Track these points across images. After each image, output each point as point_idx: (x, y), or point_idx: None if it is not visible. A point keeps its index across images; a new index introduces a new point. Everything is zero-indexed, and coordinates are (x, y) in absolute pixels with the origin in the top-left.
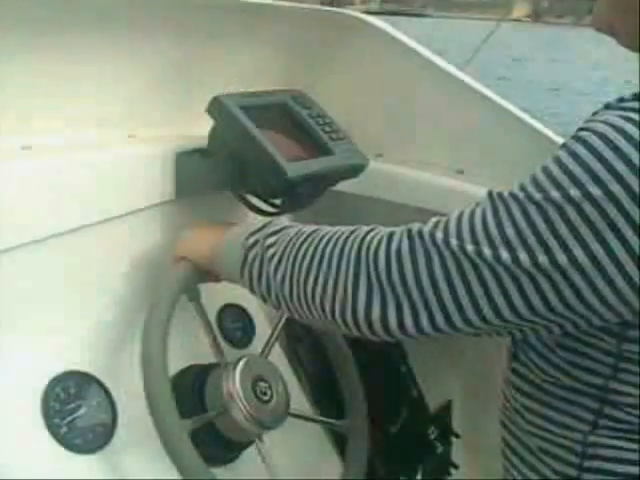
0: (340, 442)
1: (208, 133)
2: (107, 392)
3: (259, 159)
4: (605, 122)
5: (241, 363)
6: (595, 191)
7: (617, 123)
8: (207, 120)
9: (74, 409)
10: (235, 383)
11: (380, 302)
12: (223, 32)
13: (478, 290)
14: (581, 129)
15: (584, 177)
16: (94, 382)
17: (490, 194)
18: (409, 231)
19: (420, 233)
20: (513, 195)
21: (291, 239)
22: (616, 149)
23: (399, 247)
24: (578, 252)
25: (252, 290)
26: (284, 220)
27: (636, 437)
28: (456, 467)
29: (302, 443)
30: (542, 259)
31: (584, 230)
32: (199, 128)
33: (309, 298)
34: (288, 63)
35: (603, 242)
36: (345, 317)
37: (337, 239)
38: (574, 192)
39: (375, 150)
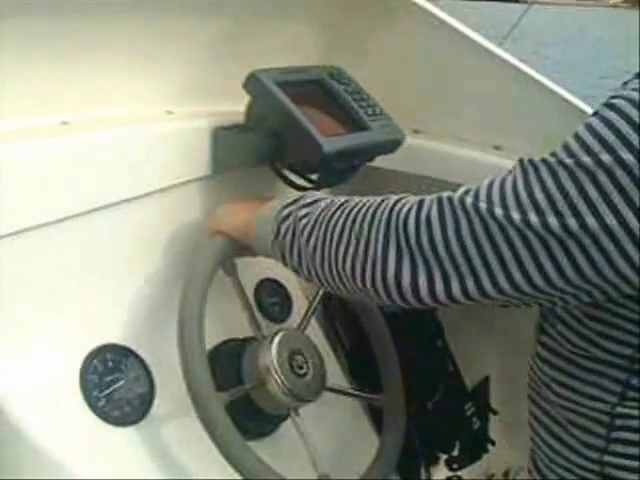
0: (377, 417)
1: (244, 109)
2: (144, 365)
3: (295, 134)
4: (636, 89)
5: (278, 337)
6: (626, 156)
7: None
8: (244, 96)
9: (112, 382)
10: (271, 356)
11: (410, 267)
12: (259, 8)
13: (507, 255)
14: (613, 97)
15: (616, 142)
16: (132, 355)
17: (521, 161)
18: (439, 198)
19: (450, 199)
20: (544, 160)
21: (323, 210)
22: None
23: (429, 213)
24: (608, 217)
25: (284, 262)
26: (318, 193)
27: None
28: (493, 443)
29: (338, 417)
30: (571, 223)
31: (615, 195)
32: (236, 104)
33: (340, 266)
34: (325, 39)
35: (633, 207)
36: (376, 284)
37: (368, 207)
38: (605, 157)
39: (412, 126)
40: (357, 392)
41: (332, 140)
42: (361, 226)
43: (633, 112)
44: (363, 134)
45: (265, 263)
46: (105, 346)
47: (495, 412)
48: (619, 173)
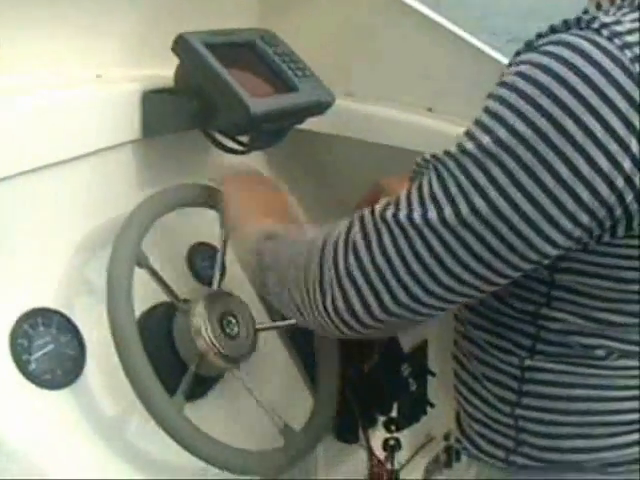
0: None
1: (174, 72)
2: (75, 328)
3: (223, 96)
4: (524, 61)
5: (207, 299)
6: (523, 128)
7: (535, 60)
8: (176, 59)
9: (42, 345)
10: (202, 318)
11: (341, 293)
12: None
13: (429, 259)
14: (505, 74)
15: (510, 116)
16: (62, 318)
17: (434, 156)
18: (361, 216)
19: (372, 214)
20: (447, 153)
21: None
22: (538, 84)
23: (354, 234)
24: (516, 196)
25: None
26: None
27: (572, 360)
28: (432, 405)
29: (273, 380)
30: (483, 209)
31: (518, 171)
32: (167, 68)
33: (299, 302)
34: (257, 3)
35: (539, 181)
36: (319, 314)
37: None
38: (503, 133)
39: (345, 89)
40: (285, 322)
41: (260, 101)
42: (300, 254)
43: (521, 84)
44: (292, 95)
45: (198, 226)
46: (35, 310)
47: (433, 374)
48: (519, 148)
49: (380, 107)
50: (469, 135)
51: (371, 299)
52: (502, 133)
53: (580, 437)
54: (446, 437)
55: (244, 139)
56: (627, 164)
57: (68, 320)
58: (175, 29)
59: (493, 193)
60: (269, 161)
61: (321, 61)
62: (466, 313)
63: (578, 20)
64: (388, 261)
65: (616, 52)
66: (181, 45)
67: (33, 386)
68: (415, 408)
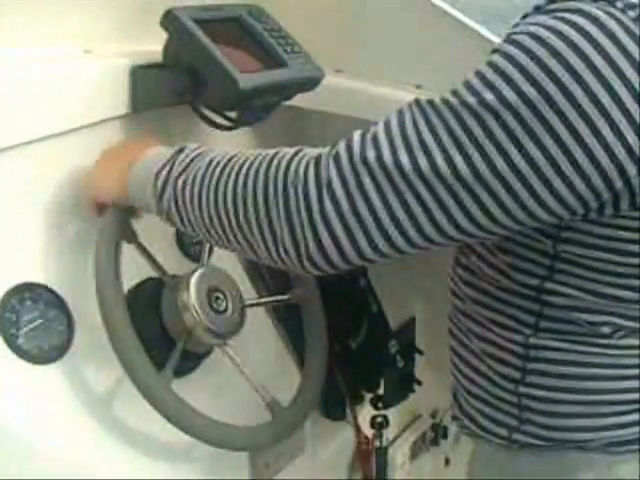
0: (301, 359)
1: (162, 47)
2: (63, 303)
3: (212, 71)
4: (537, 23)
5: (195, 275)
6: (529, 90)
7: (547, 22)
8: (164, 35)
9: (30, 320)
10: (189, 294)
11: (313, 235)
12: None
13: (416, 208)
14: (513, 33)
15: (518, 77)
16: (50, 293)
17: (417, 102)
18: (336, 155)
19: (350, 155)
20: (445, 101)
21: (204, 175)
22: (550, 48)
23: (329, 175)
24: (516, 157)
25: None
26: (189, 149)
27: (577, 338)
28: (419, 383)
29: (261, 361)
30: (481, 167)
31: (520, 133)
32: (156, 43)
33: (242, 240)
34: None
35: (539, 144)
36: (287, 254)
37: (257, 169)
38: (509, 93)
39: (334, 66)
40: (272, 298)
41: (249, 76)
42: (255, 192)
43: (533, 45)
44: (281, 71)
45: None
46: (23, 284)
47: (420, 352)
48: (523, 110)
49: (369, 84)
50: (470, 88)
51: (348, 246)
52: (507, 92)
53: (585, 416)
54: (433, 415)
55: (232, 115)
56: (631, 137)
57: (56, 295)
58: (164, 4)
59: (490, 148)
60: (257, 137)
61: (310, 37)
62: (465, 289)
63: None
64: (369, 207)
65: (630, 24)
66: (170, 20)
67: (21, 361)
68: (402, 386)
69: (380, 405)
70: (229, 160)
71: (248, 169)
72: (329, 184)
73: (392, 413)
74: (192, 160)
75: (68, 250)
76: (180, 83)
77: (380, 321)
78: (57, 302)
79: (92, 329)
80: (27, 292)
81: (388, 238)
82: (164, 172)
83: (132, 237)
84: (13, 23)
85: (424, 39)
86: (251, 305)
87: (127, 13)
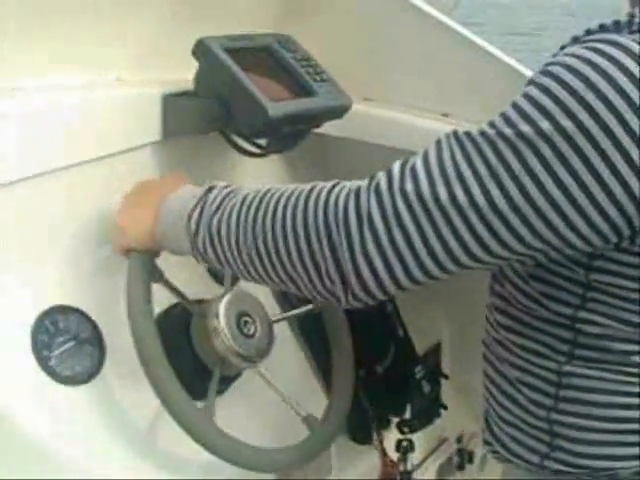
0: (327, 379)
1: (194, 75)
2: (95, 326)
3: (242, 100)
4: (573, 55)
5: (225, 299)
6: (566, 123)
7: (584, 54)
8: (195, 63)
9: (63, 342)
10: (219, 318)
11: (353, 265)
12: None
13: (451, 239)
14: (549, 64)
15: (554, 109)
16: (82, 316)
17: (455, 133)
18: (377, 187)
19: (390, 188)
20: (482, 132)
21: (240, 214)
22: (586, 80)
23: (369, 207)
24: (551, 187)
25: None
26: (217, 188)
27: (610, 367)
28: (445, 408)
29: (288, 378)
30: (516, 196)
31: (556, 164)
32: (186, 71)
33: (284, 275)
34: (275, 7)
35: (575, 175)
36: (324, 285)
37: (296, 203)
38: (545, 125)
39: (362, 94)
40: (297, 311)
41: (278, 104)
42: (294, 227)
43: (568, 77)
44: (310, 99)
45: None
46: (56, 307)
47: (446, 376)
48: (559, 141)
49: (396, 112)
50: (506, 119)
51: (385, 277)
52: (543, 123)
53: (615, 444)
54: (459, 439)
55: (262, 142)
56: None
57: (88, 318)
58: (194, 33)
59: (525, 179)
60: (285, 164)
61: (338, 65)
62: (498, 316)
63: (629, 22)
64: (406, 238)
65: None
66: (201, 49)
67: (53, 382)
68: (428, 410)
69: (406, 429)
70: (264, 196)
71: (285, 204)
72: (369, 215)
73: (418, 437)
74: (224, 198)
75: (100, 274)
76: (211, 111)
77: (406, 346)
78: (89, 325)
79: (123, 351)
80: (60, 315)
81: (423, 267)
82: (196, 213)
83: (159, 277)
84: (47, 51)
85: (451, 68)
86: (277, 320)
87: (159, 41)
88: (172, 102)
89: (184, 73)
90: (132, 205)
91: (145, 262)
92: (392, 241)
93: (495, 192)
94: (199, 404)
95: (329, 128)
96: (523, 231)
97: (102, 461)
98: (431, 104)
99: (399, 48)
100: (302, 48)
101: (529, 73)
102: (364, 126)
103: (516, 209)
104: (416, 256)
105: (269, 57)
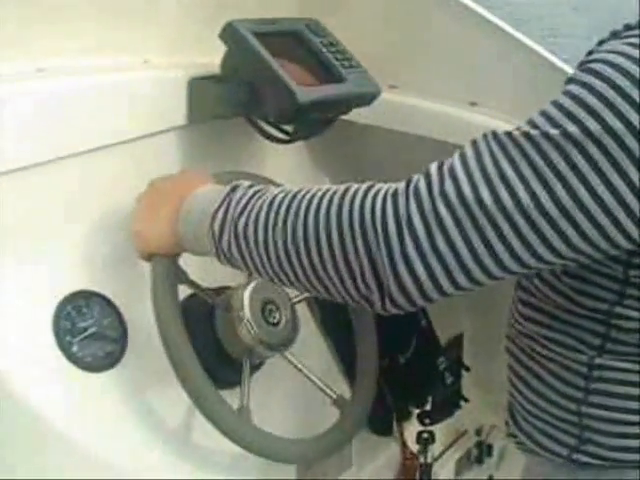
0: (350, 372)
1: (221, 59)
2: (118, 311)
3: (271, 84)
4: (615, 51)
5: (250, 286)
6: (614, 123)
7: (627, 51)
8: (221, 47)
9: (85, 328)
10: (244, 306)
11: (392, 272)
12: None
13: (497, 243)
14: (589, 61)
15: (602, 109)
16: (104, 301)
17: (494, 134)
18: (416, 190)
19: (430, 191)
20: (525, 133)
21: (268, 215)
22: (631, 77)
23: (409, 213)
24: (600, 188)
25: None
26: (241, 188)
27: None
28: (466, 400)
29: (311, 364)
30: (564, 198)
31: (606, 165)
32: (213, 55)
33: (315, 280)
34: None
35: (625, 177)
36: (359, 291)
37: (329, 204)
38: (593, 125)
39: (389, 81)
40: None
41: (307, 90)
42: (328, 230)
43: (614, 75)
44: (338, 85)
45: None
46: (78, 292)
47: (467, 368)
48: (607, 142)
49: (424, 100)
50: (549, 119)
51: (428, 283)
52: (590, 123)
53: None
54: (478, 432)
55: (288, 128)
56: None
57: (110, 302)
58: (221, 16)
59: (574, 181)
60: (310, 151)
61: (365, 52)
62: (524, 309)
63: None
64: (449, 242)
65: None
66: (229, 33)
67: (76, 368)
68: (449, 402)
69: (427, 421)
70: (294, 197)
71: (318, 207)
72: (409, 220)
73: (437, 429)
74: (251, 198)
75: (122, 259)
76: (238, 96)
77: (429, 337)
78: (111, 310)
79: (146, 337)
80: (82, 300)
81: (467, 273)
82: (220, 213)
83: (184, 277)
84: (73, 33)
85: (480, 56)
86: (299, 301)
87: (185, 25)
88: (198, 86)
89: (211, 57)
90: (146, 208)
91: (168, 265)
92: (434, 246)
93: (542, 194)
94: (227, 397)
95: (355, 115)
96: (572, 234)
97: (122, 449)
98: (459, 93)
99: (427, 35)
100: (331, 33)
101: (560, 63)
102: (390, 113)
103: (564, 211)
104: (460, 261)
105: (298, 42)
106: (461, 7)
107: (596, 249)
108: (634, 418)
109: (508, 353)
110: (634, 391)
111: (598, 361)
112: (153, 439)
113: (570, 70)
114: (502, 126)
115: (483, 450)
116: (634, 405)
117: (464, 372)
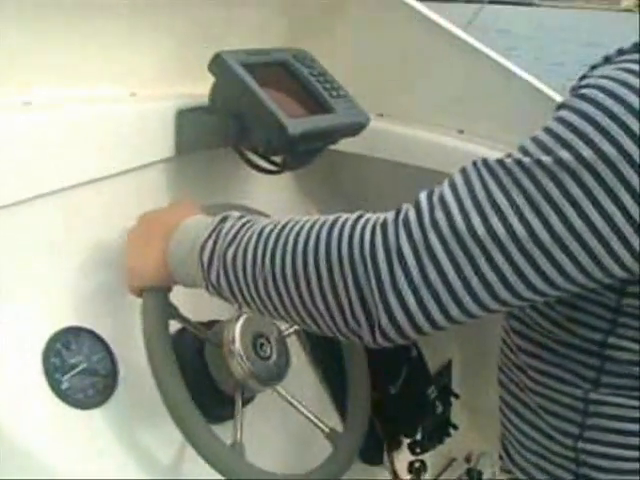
0: (341, 405)
1: (209, 90)
2: (107, 348)
3: (260, 116)
4: (607, 77)
5: (241, 320)
6: (608, 150)
7: (620, 76)
8: (209, 79)
9: (75, 364)
10: (235, 340)
11: (384, 305)
12: None
13: (489, 273)
14: (582, 86)
15: (595, 135)
16: (94, 338)
17: (485, 162)
18: (405, 220)
19: (420, 219)
20: (517, 161)
21: (257, 247)
22: (624, 103)
23: (398, 242)
24: (594, 216)
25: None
26: (233, 217)
27: (637, 394)
28: (455, 427)
29: (302, 400)
30: (557, 226)
31: (600, 193)
32: (201, 87)
33: (304, 313)
34: (291, 23)
35: (619, 204)
36: (347, 324)
37: (316, 239)
38: (586, 152)
39: (376, 110)
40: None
41: (297, 121)
42: (317, 262)
43: (607, 101)
44: (327, 116)
45: None
46: (67, 329)
47: (457, 396)
48: (601, 168)
49: (412, 129)
50: (542, 146)
51: (420, 316)
52: (584, 150)
53: None
54: (467, 459)
55: (277, 159)
56: None
57: (99, 338)
58: (208, 48)
59: (567, 208)
60: (298, 181)
61: (353, 81)
62: (517, 339)
63: None
64: (440, 273)
65: None
66: (218, 64)
67: (66, 405)
68: (439, 430)
69: (418, 450)
70: (283, 228)
71: (307, 238)
72: (399, 250)
73: (426, 457)
74: (240, 229)
75: (110, 294)
76: (226, 127)
77: (419, 367)
78: (101, 346)
79: (136, 373)
80: (72, 336)
81: (460, 304)
82: (209, 244)
83: (175, 313)
84: (60, 64)
85: (467, 84)
86: (289, 334)
87: (172, 56)
88: (186, 117)
89: (199, 88)
90: (137, 242)
91: (159, 300)
92: (425, 277)
93: (535, 223)
94: (218, 431)
95: (343, 144)
96: (566, 263)
97: None
98: (447, 121)
99: (413, 64)
100: (319, 63)
101: (547, 90)
102: (378, 143)
103: (559, 241)
104: (452, 292)
105: (286, 72)
106: (448, 35)
107: (591, 279)
108: (630, 454)
109: (500, 385)
110: (631, 426)
111: (593, 396)
112: (146, 476)
113: (558, 97)
114: (490, 154)
115: (473, 477)
116: (631, 440)
117: (453, 399)
